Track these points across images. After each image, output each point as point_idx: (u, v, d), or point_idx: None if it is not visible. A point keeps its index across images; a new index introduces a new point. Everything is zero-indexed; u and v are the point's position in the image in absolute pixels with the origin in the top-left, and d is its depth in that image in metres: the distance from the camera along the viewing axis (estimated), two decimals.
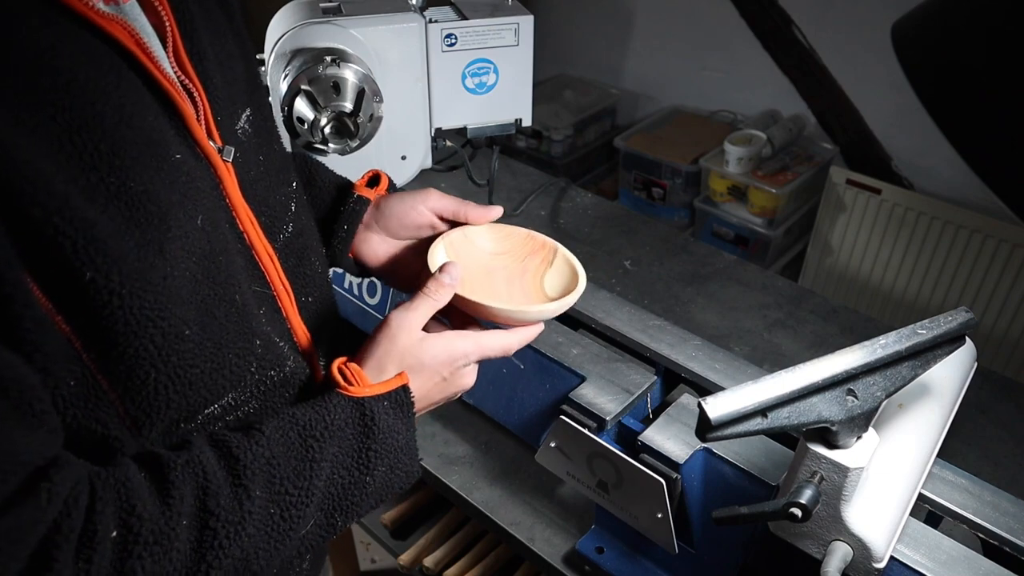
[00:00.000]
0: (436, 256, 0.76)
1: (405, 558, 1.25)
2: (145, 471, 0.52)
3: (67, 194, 0.46)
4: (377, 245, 0.83)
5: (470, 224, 0.80)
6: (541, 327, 0.75)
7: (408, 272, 0.83)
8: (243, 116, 0.65)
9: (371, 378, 0.65)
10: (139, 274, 0.49)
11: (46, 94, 0.46)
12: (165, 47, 0.56)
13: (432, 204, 0.80)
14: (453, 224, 0.81)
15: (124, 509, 0.49)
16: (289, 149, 1.07)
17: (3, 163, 0.43)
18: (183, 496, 0.51)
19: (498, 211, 0.81)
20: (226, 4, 0.67)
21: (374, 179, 0.85)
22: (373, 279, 1.13)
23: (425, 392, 0.67)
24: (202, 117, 0.58)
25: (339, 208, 0.82)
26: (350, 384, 0.63)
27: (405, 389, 0.64)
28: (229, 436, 0.56)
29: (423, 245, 0.82)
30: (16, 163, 0.44)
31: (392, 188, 0.87)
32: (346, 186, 0.85)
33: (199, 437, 0.56)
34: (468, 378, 0.70)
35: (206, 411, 0.58)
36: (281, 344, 0.64)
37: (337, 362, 0.64)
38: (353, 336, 1.18)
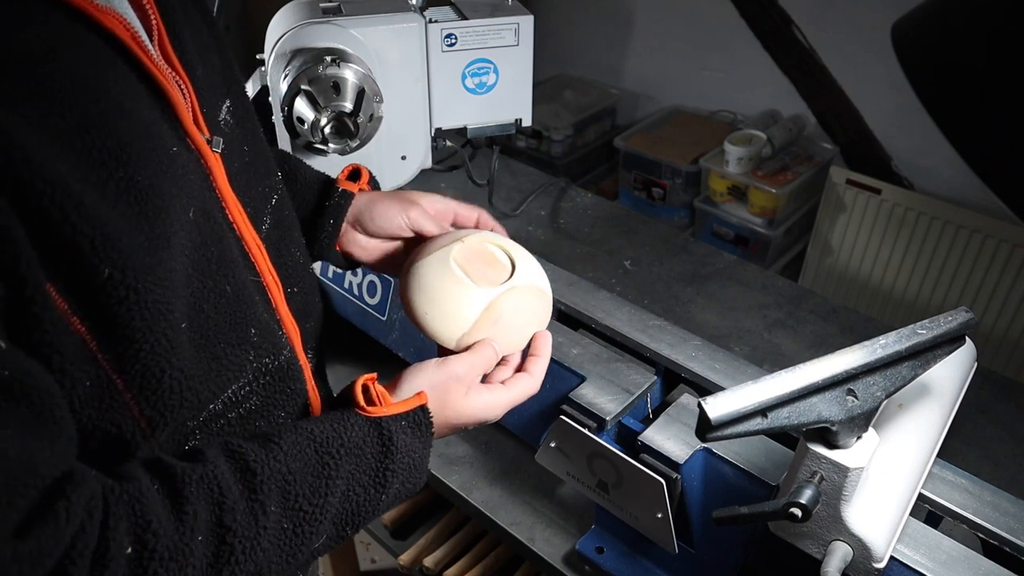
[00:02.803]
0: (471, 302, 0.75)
1: (405, 558, 1.25)
2: (158, 484, 0.52)
3: (82, 192, 0.46)
4: (365, 241, 0.85)
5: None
6: (548, 341, 0.77)
7: (395, 258, 0.85)
8: (224, 107, 0.66)
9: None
10: (150, 269, 0.50)
11: (53, 93, 0.46)
12: (151, 39, 0.56)
13: (414, 220, 0.83)
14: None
15: (139, 525, 0.48)
16: (289, 149, 1.08)
17: (22, 165, 0.43)
18: (197, 512, 0.51)
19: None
20: None
21: (354, 173, 0.87)
22: (373, 278, 1.13)
23: (441, 434, 0.70)
24: (189, 109, 0.58)
25: (323, 203, 0.83)
26: (371, 403, 0.64)
27: (424, 409, 0.66)
28: (246, 448, 0.56)
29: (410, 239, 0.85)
30: (33, 164, 0.44)
31: (372, 181, 0.88)
32: (328, 181, 0.86)
33: (213, 448, 0.56)
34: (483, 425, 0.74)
35: (211, 407, 0.58)
36: (279, 333, 0.65)
37: (364, 378, 0.65)
38: (338, 331, 1.18)
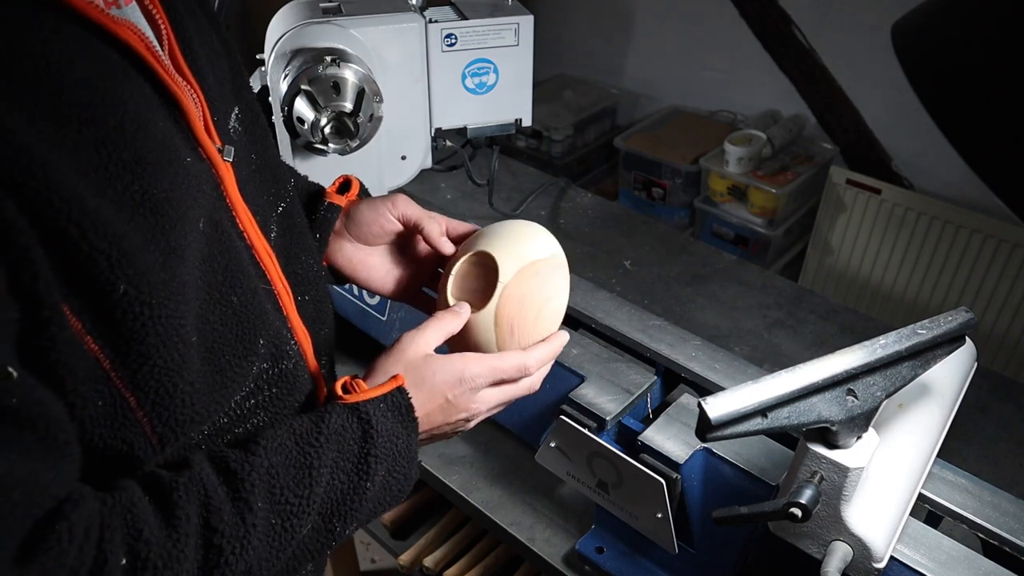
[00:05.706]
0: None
1: (405, 558, 1.25)
2: (148, 493, 0.52)
3: (98, 208, 0.46)
4: (351, 253, 0.84)
5: (425, 236, 0.81)
6: (562, 339, 0.75)
7: (380, 274, 0.85)
8: (233, 115, 0.65)
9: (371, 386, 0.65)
10: (164, 283, 0.50)
11: (70, 108, 0.46)
12: (162, 48, 0.56)
13: (401, 210, 0.81)
14: (414, 230, 0.82)
15: (131, 535, 0.48)
16: (289, 149, 1.08)
17: (41, 184, 0.43)
18: (188, 516, 0.51)
19: (449, 248, 0.81)
20: (205, 3, 0.67)
21: (345, 185, 0.86)
22: None
23: (426, 412, 0.66)
24: (201, 118, 0.58)
25: (311, 216, 0.82)
26: (348, 394, 0.63)
27: (401, 391, 0.64)
28: (227, 452, 0.56)
29: (396, 248, 0.85)
30: (52, 183, 0.44)
31: (363, 192, 0.87)
32: (317, 193, 0.85)
33: (199, 455, 0.56)
34: (476, 404, 0.69)
35: (221, 421, 0.58)
36: (292, 341, 0.65)
37: (343, 379, 0.65)
38: (350, 338, 1.18)
